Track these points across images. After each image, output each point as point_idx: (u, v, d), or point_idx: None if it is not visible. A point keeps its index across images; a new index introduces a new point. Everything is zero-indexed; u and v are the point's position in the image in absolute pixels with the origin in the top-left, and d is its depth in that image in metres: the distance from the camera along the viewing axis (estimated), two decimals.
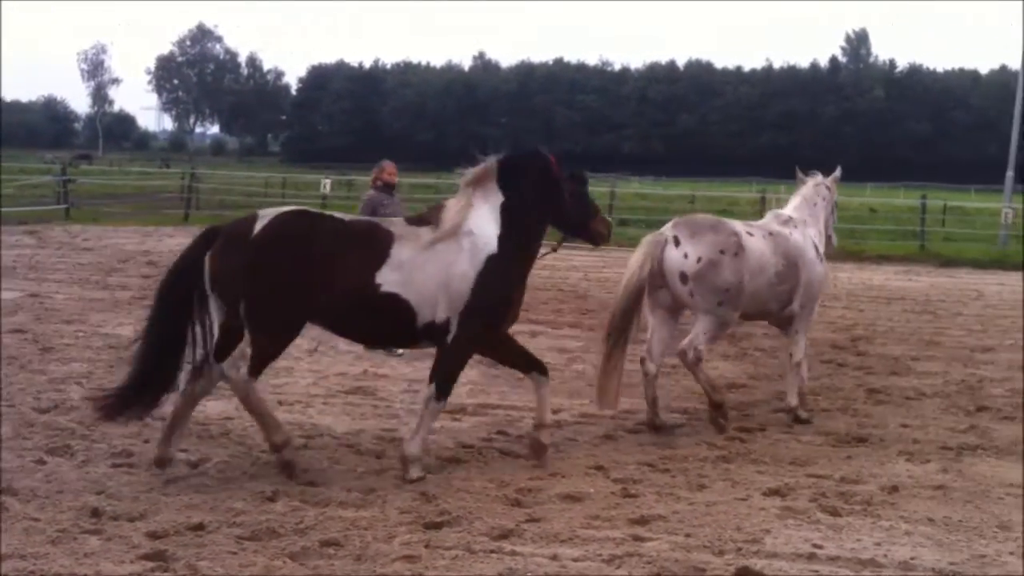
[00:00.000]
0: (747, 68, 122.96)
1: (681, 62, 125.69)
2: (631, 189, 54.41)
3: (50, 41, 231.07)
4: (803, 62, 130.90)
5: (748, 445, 7.79)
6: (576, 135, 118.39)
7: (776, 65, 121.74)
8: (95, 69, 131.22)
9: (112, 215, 29.62)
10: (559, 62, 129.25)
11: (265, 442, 6.74)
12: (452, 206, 6.90)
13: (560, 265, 20.04)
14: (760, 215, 26.50)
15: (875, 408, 9.18)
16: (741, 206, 40.05)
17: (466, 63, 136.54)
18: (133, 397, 6.60)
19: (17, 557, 5.15)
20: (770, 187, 48.77)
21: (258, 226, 6.49)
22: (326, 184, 30.08)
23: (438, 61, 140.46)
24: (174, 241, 22.61)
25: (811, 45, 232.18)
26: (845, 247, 24.60)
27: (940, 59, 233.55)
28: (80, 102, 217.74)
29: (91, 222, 27.52)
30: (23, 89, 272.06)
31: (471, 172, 6.95)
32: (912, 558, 5.56)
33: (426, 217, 6.95)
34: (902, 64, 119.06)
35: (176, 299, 6.68)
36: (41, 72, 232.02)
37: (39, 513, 5.77)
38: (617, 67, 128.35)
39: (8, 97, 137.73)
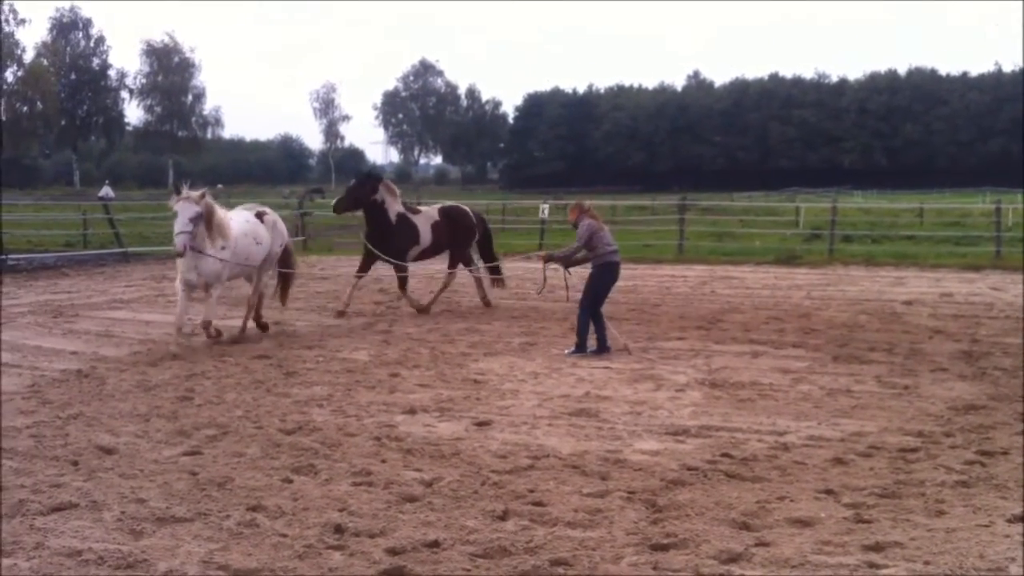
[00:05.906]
0: (974, 73, 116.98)
1: (902, 70, 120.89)
2: (853, 204, 52.63)
3: (286, 83, 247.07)
4: None
5: (989, 469, 7.39)
6: (792, 150, 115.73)
7: (1006, 68, 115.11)
8: (326, 107, 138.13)
9: (345, 246, 31.06)
10: (774, 77, 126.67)
11: None
12: None
13: (782, 284, 19.63)
14: (995, 227, 24.91)
15: None
16: (974, 217, 37.98)
17: (679, 83, 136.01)
18: None
19: (267, 571, 5.44)
20: (1005, 196, 45.63)
21: None
22: (544, 209, 30.58)
23: (651, 83, 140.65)
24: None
25: None
26: None
27: None
28: (313, 139, 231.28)
29: (326, 252, 28.96)
30: (262, 129, 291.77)
31: None
32: None
33: None
34: None
35: None
36: (278, 112, 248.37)
37: (287, 529, 6.09)
38: (834, 79, 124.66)
39: (248, 137, 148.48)
